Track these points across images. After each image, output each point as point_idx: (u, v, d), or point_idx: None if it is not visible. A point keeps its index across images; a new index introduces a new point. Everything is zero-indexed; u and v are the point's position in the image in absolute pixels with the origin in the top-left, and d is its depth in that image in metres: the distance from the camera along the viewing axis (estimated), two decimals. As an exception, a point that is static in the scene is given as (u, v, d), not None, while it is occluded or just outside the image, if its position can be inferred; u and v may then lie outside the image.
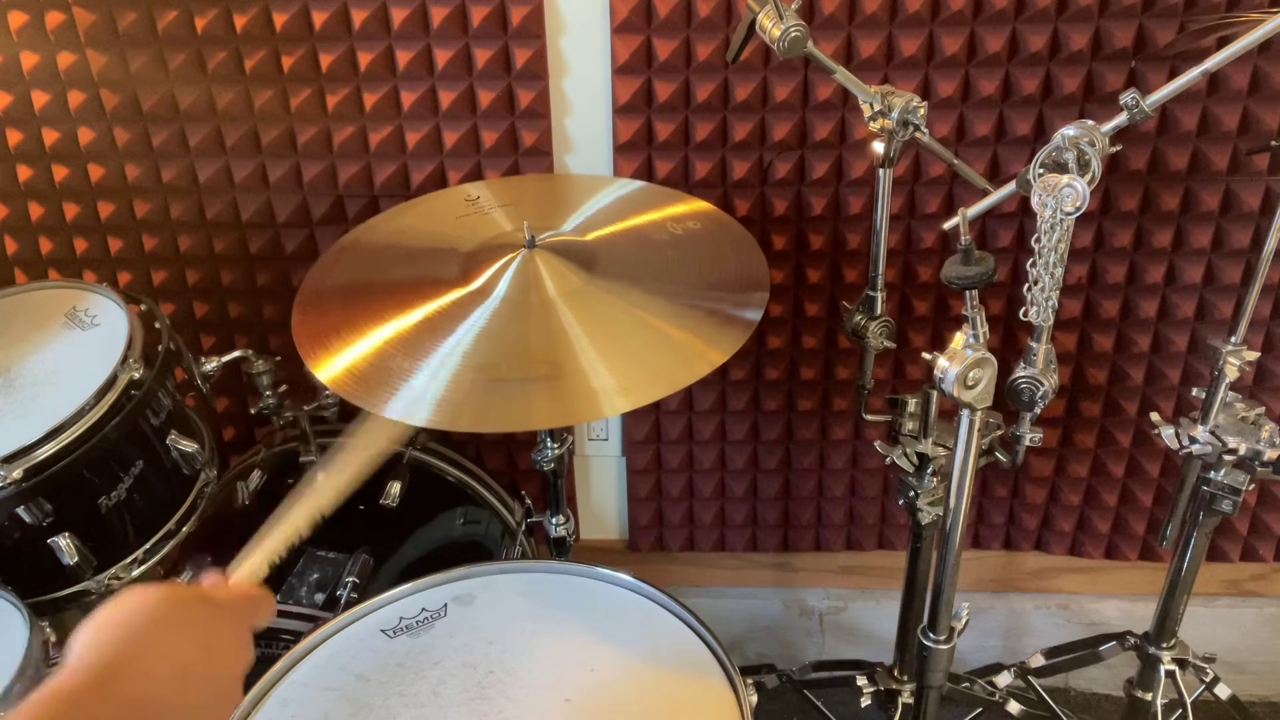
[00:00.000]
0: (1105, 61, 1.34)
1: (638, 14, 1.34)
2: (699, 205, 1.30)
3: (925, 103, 1.07)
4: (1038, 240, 0.87)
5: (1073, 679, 1.85)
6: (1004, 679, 1.55)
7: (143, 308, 1.30)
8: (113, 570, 1.27)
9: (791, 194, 1.46)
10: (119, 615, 0.63)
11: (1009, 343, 1.53)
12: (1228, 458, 1.19)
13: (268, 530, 0.78)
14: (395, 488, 1.36)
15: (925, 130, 1.08)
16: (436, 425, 0.98)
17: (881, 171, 1.13)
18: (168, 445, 1.26)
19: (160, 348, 1.25)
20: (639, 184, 1.38)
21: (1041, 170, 0.89)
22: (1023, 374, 0.95)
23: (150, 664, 0.61)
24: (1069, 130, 0.89)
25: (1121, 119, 0.94)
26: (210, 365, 1.38)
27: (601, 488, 1.78)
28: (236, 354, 1.39)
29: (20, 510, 1.12)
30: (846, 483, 1.71)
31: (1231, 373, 1.15)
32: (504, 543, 1.45)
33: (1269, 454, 1.15)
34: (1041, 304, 0.89)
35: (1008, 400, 0.97)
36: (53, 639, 1.09)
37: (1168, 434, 1.21)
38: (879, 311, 1.22)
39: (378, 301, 1.12)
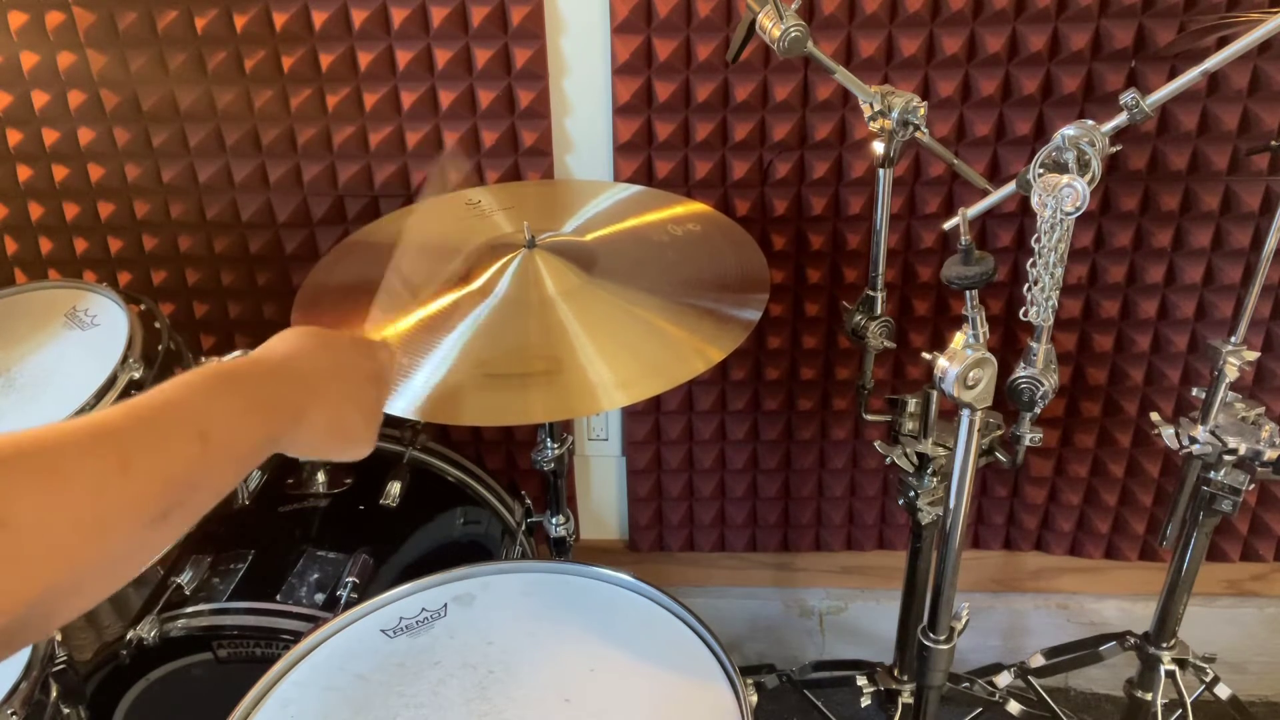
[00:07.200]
0: (1105, 61, 1.34)
1: (638, 14, 1.34)
2: (699, 208, 1.30)
3: (925, 103, 1.07)
4: (1038, 240, 0.87)
5: (1073, 679, 1.85)
6: (1004, 679, 1.54)
7: (143, 308, 1.30)
8: (113, 570, 1.26)
9: (791, 194, 1.46)
10: (291, 335, 0.76)
11: (1009, 343, 1.53)
12: (1228, 458, 1.19)
13: (381, 290, 0.92)
14: (395, 488, 1.36)
15: (925, 130, 1.08)
16: (436, 419, 0.98)
17: (881, 171, 1.13)
18: (167, 445, 1.26)
19: (160, 348, 1.25)
20: (639, 188, 1.38)
21: (1041, 170, 0.89)
22: (1023, 374, 0.95)
23: (317, 371, 0.74)
24: (1069, 130, 0.89)
25: (1121, 119, 0.94)
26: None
27: (601, 488, 1.78)
28: (236, 354, 1.38)
29: (20, 510, 1.12)
30: (846, 483, 1.71)
31: (1231, 373, 1.15)
32: (504, 543, 1.45)
33: (1269, 454, 1.15)
34: (1041, 304, 0.89)
35: (1008, 400, 0.97)
36: (57, 637, 1.09)
37: (1168, 434, 1.21)
38: (879, 311, 1.22)
39: (377, 301, 1.12)
